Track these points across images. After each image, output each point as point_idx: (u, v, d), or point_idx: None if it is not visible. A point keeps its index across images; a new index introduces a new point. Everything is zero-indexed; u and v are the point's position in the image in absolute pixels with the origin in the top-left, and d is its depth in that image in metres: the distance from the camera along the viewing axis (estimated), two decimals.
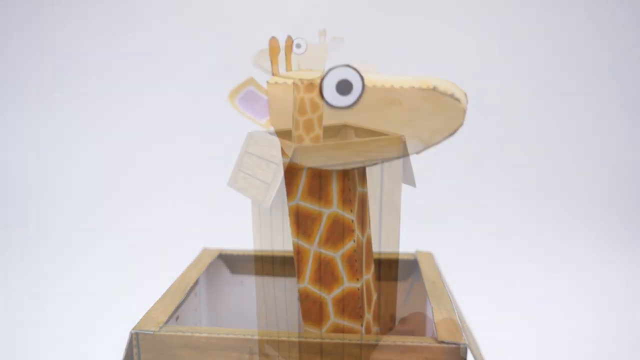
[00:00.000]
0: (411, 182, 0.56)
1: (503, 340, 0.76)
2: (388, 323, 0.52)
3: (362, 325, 0.40)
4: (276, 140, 0.38)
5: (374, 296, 0.42)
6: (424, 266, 0.54)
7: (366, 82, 0.33)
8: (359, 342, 0.38)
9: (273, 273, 0.50)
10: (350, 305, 0.39)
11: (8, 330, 0.83)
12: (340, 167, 0.36)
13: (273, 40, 0.38)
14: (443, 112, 0.32)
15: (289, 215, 0.39)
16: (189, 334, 0.40)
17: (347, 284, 0.39)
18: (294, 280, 0.40)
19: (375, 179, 0.49)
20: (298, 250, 0.39)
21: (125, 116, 1.40)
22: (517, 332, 0.81)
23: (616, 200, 1.32)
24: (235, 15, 1.40)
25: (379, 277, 0.51)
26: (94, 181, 1.35)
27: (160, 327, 0.41)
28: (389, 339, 0.38)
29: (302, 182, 0.37)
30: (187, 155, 1.36)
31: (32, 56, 1.42)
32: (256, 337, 0.39)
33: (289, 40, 0.42)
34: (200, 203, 1.26)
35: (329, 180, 0.37)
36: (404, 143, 0.34)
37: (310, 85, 0.34)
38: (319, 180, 0.37)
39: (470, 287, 0.83)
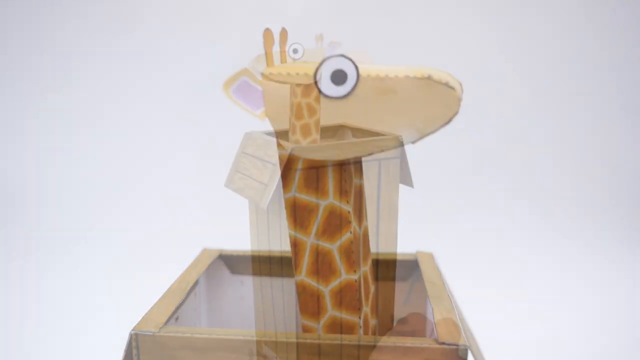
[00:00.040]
0: (409, 182, 0.56)
1: (503, 341, 0.75)
2: (388, 323, 0.52)
3: (359, 318, 0.39)
4: (273, 140, 0.38)
5: (372, 289, 0.41)
6: (424, 267, 0.54)
7: (361, 71, 0.33)
8: (357, 343, 0.38)
9: (270, 273, 0.49)
10: (347, 297, 0.39)
11: (8, 330, 0.83)
12: (337, 160, 0.36)
13: (267, 32, 0.38)
14: (438, 100, 0.32)
15: (285, 207, 0.38)
16: (189, 335, 0.40)
17: (345, 276, 0.38)
18: (291, 280, 0.39)
19: (372, 180, 0.49)
20: (295, 243, 0.38)
21: (125, 116, 1.40)
22: (517, 333, 0.81)
23: (617, 200, 1.32)
24: (235, 15, 1.40)
25: (377, 277, 0.51)
26: (94, 181, 1.35)
27: (160, 328, 0.41)
28: (389, 340, 0.38)
29: (298, 173, 0.37)
30: (188, 155, 1.36)
31: (32, 56, 1.42)
32: (255, 339, 0.39)
33: (284, 32, 0.42)
34: (200, 203, 1.26)
35: (325, 171, 0.37)
36: (401, 142, 0.34)
37: (306, 89, 0.34)
38: (315, 171, 0.37)
39: (470, 288, 0.83)
